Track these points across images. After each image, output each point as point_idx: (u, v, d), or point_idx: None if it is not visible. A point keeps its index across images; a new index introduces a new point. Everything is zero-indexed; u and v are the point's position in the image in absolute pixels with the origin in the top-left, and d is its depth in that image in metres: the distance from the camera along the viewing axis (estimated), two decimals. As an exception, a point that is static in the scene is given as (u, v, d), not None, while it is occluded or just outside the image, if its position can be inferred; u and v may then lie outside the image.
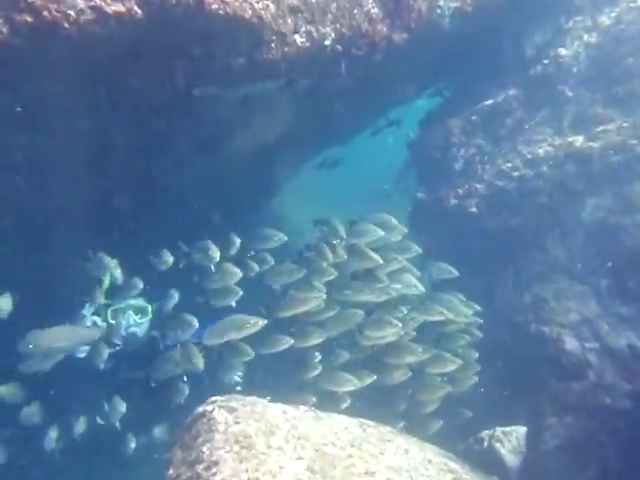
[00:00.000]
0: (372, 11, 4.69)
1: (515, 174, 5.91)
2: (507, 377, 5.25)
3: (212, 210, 5.99)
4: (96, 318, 4.67)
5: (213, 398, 3.62)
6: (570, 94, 5.82)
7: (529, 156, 5.89)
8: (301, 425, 3.58)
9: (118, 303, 4.74)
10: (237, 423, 3.34)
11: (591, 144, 5.50)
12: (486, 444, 4.64)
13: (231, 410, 3.44)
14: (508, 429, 4.81)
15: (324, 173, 10.71)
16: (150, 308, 4.84)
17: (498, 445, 4.65)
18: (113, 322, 4.69)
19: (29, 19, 3.03)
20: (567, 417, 4.35)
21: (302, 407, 3.94)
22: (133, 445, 4.61)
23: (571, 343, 5.13)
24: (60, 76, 3.44)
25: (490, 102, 6.37)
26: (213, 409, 3.46)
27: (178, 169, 5.06)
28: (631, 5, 5.59)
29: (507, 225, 5.83)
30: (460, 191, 6.31)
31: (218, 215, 6.02)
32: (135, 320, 4.75)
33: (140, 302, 4.83)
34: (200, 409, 3.56)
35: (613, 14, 5.75)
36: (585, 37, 5.85)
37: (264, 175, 6.76)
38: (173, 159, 4.84)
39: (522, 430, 4.80)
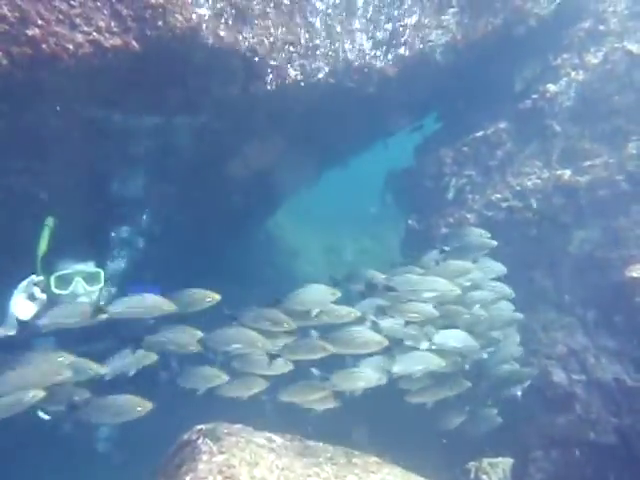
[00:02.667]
0: (364, 45, 4.81)
1: (504, 205, 6.01)
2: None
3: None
4: (35, 288, 3.86)
5: (198, 426, 3.62)
6: (558, 129, 5.95)
7: (518, 188, 6.00)
8: (286, 455, 3.58)
9: (62, 269, 3.93)
10: (221, 453, 3.34)
11: (578, 178, 5.62)
12: (472, 475, 4.64)
13: (216, 439, 3.43)
14: (495, 460, 4.81)
15: (317, 194, 10.83)
16: (102, 274, 4.06)
17: (484, 477, 4.65)
18: (58, 292, 3.90)
19: (29, 51, 3.11)
20: (553, 451, 4.37)
21: (288, 435, 3.93)
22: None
23: (558, 375, 5.16)
24: (57, 104, 3.51)
25: (481, 134, 6.49)
26: (198, 437, 3.46)
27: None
28: (616, 45, 5.76)
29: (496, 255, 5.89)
30: (451, 220, 6.40)
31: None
32: (85, 288, 3.94)
33: (90, 267, 4.04)
34: (185, 437, 3.55)
35: (600, 53, 5.92)
36: (572, 74, 6.00)
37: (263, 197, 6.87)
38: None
39: (509, 462, 4.81)
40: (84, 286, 3.95)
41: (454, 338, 4.32)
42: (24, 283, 3.87)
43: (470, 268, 4.55)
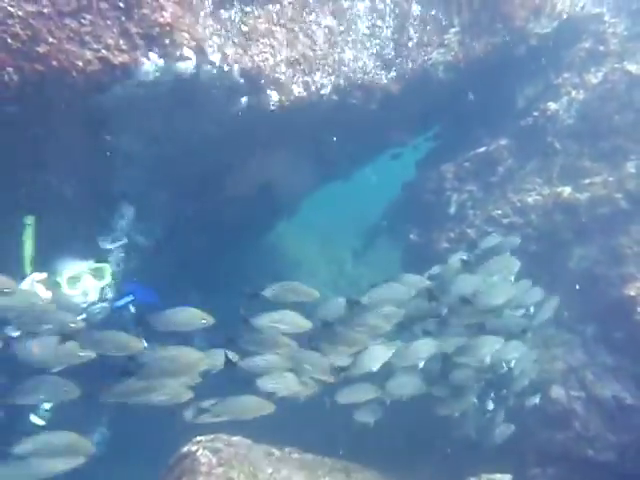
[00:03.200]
0: (367, 63, 4.90)
1: (505, 221, 6.05)
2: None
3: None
4: (38, 286, 3.66)
5: (198, 438, 3.65)
6: (558, 146, 6.02)
7: (519, 204, 6.04)
8: (284, 468, 3.61)
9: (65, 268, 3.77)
10: (220, 465, 3.38)
11: (578, 195, 5.67)
12: (471, 491, 4.62)
13: (215, 451, 3.47)
14: (493, 476, 4.80)
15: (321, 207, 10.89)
16: (108, 268, 3.94)
17: (483, 493, 4.64)
18: (70, 292, 3.77)
19: (40, 68, 3.20)
20: (550, 468, 4.37)
21: (287, 449, 3.96)
22: None
23: (557, 392, 5.17)
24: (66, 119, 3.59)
25: (482, 150, 6.56)
26: (197, 449, 3.50)
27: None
28: (616, 66, 5.84)
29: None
30: (452, 235, 6.45)
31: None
32: (94, 285, 3.85)
33: (93, 263, 3.91)
34: (184, 449, 3.58)
35: (599, 73, 5.99)
36: (573, 93, 6.08)
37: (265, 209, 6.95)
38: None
39: (508, 478, 4.80)
40: (93, 281, 3.84)
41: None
42: (27, 281, 3.68)
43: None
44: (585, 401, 5.03)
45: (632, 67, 5.74)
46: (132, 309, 4.11)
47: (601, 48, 6.19)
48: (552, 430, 4.92)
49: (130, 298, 4.09)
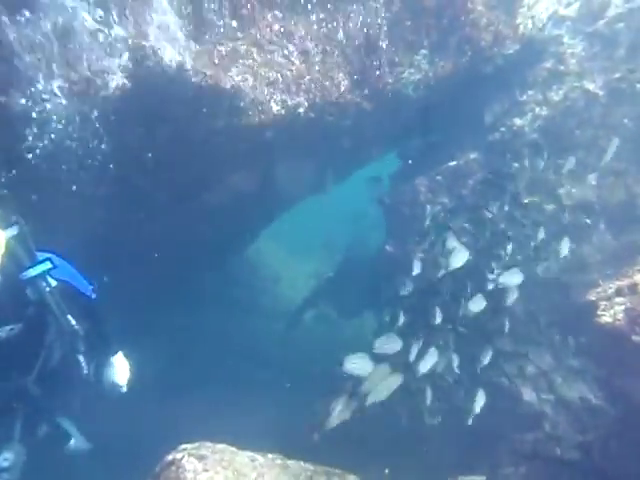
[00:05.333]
0: (342, 83, 5.12)
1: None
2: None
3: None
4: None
5: (183, 445, 3.73)
6: (525, 160, 6.31)
7: (490, 215, 6.30)
8: (268, 473, 3.72)
9: None
10: (206, 471, 3.47)
11: (544, 207, 5.96)
12: (447, 493, 4.79)
13: (200, 458, 3.55)
14: (469, 478, 4.98)
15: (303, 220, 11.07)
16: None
17: (459, 494, 4.81)
18: None
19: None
20: (522, 467, 4.56)
21: (270, 455, 4.06)
22: None
23: (528, 394, 5.39)
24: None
25: (454, 164, 6.83)
26: (182, 457, 3.58)
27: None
28: (575, 84, 6.20)
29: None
30: (426, 246, 6.66)
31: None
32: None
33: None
34: (169, 457, 3.66)
35: (561, 91, 6.35)
36: (537, 110, 6.41)
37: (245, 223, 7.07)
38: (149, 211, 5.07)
39: (482, 479, 4.98)
40: None
41: None
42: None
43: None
44: (554, 403, 5.28)
45: (590, 86, 6.11)
46: (52, 282, 3.20)
47: (561, 68, 6.56)
48: (524, 431, 5.14)
49: (46, 266, 3.10)
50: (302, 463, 4.20)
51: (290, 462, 4.13)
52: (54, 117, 3.55)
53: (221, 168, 5.18)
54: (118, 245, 4.94)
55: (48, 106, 3.50)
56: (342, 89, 5.16)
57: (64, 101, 3.53)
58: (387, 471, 3.90)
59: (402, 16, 5.28)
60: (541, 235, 5.33)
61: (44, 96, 3.46)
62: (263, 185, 5.70)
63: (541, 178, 6.20)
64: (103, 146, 3.89)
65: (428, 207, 6.92)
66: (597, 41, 6.68)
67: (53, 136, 3.60)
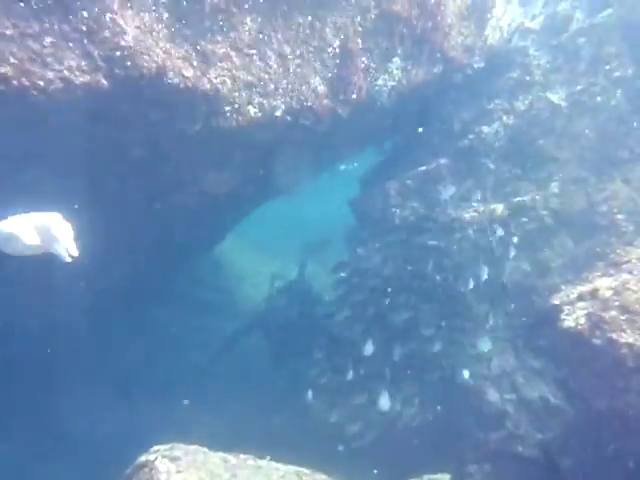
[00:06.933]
0: (318, 88, 5.19)
1: (445, 236, 6.47)
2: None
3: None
4: None
5: (155, 447, 3.74)
6: (492, 166, 6.54)
7: (457, 220, 6.48)
8: (241, 473, 3.76)
9: None
10: (179, 472, 3.49)
11: (509, 212, 6.17)
12: (414, 491, 4.93)
13: (174, 459, 3.58)
14: (434, 476, 5.13)
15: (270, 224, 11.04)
16: None
17: (425, 492, 4.95)
18: None
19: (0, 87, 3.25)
20: (486, 465, 4.73)
21: (242, 456, 4.11)
22: None
23: (492, 394, 5.59)
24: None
25: (424, 168, 6.98)
26: (156, 458, 3.59)
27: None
28: (540, 95, 6.45)
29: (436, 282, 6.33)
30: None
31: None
32: None
33: None
34: (142, 458, 3.67)
35: (527, 101, 6.59)
36: (504, 118, 6.64)
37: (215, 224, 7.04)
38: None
39: (447, 477, 5.13)
40: None
41: None
42: None
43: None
44: (516, 403, 5.49)
45: (554, 97, 6.36)
46: None
47: (527, 78, 6.80)
48: (488, 430, 5.33)
49: None
50: (273, 463, 4.26)
51: (262, 462, 4.19)
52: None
53: (197, 170, 5.17)
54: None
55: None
56: (318, 94, 5.23)
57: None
58: (376, 472, 4.00)
59: (377, 24, 5.38)
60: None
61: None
62: (237, 186, 5.71)
63: (506, 184, 6.43)
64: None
65: (397, 211, 7.07)
66: (560, 54, 6.96)
67: None
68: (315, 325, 7.00)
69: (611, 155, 6.18)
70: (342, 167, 9.62)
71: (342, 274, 6.60)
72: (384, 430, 5.72)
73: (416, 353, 5.91)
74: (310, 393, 5.80)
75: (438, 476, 5.13)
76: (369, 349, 5.50)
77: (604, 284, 4.36)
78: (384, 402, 5.29)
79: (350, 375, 5.56)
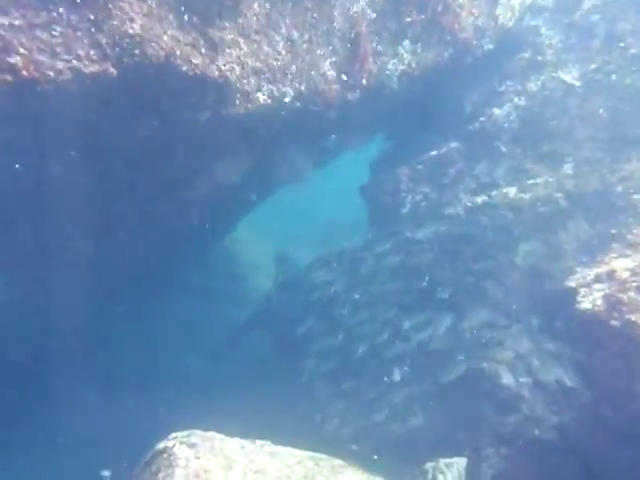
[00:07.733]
0: (328, 73, 5.14)
1: (457, 221, 6.43)
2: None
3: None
4: None
5: (174, 434, 3.78)
6: (504, 149, 6.45)
7: (469, 204, 6.43)
8: (258, 459, 3.79)
9: None
10: (197, 458, 3.53)
11: (522, 195, 6.10)
12: (430, 476, 4.93)
13: (192, 445, 3.61)
14: (450, 460, 5.13)
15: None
16: None
17: (441, 476, 4.95)
18: None
19: (9, 78, 3.25)
20: (502, 448, 4.72)
21: (259, 442, 4.14)
22: None
23: (507, 378, 5.55)
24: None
25: (435, 153, 6.91)
26: (174, 445, 3.63)
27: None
28: (553, 75, 6.33)
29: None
30: (408, 234, 6.76)
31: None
32: None
33: None
34: (161, 445, 3.71)
35: (538, 81, 6.47)
36: (515, 100, 6.53)
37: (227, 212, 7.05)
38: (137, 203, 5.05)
39: (463, 461, 5.14)
40: None
41: None
42: None
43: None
44: (531, 386, 5.45)
45: (566, 77, 6.24)
46: None
47: (539, 58, 6.68)
48: (503, 414, 5.31)
49: None
50: (290, 449, 4.29)
51: (278, 448, 4.21)
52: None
53: (207, 158, 5.16)
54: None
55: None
56: (328, 80, 5.18)
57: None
58: (375, 457, 4.01)
59: (386, 7, 5.30)
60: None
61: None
62: (249, 175, 5.70)
63: (519, 167, 6.35)
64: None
65: (409, 196, 7.02)
66: (573, 32, 6.82)
67: None
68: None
69: (627, 135, 6.06)
70: (353, 153, 9.56)
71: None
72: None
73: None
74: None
75: (455, 459, 5.14)
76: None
77: (621, 265, 4.30)
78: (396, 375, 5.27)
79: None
